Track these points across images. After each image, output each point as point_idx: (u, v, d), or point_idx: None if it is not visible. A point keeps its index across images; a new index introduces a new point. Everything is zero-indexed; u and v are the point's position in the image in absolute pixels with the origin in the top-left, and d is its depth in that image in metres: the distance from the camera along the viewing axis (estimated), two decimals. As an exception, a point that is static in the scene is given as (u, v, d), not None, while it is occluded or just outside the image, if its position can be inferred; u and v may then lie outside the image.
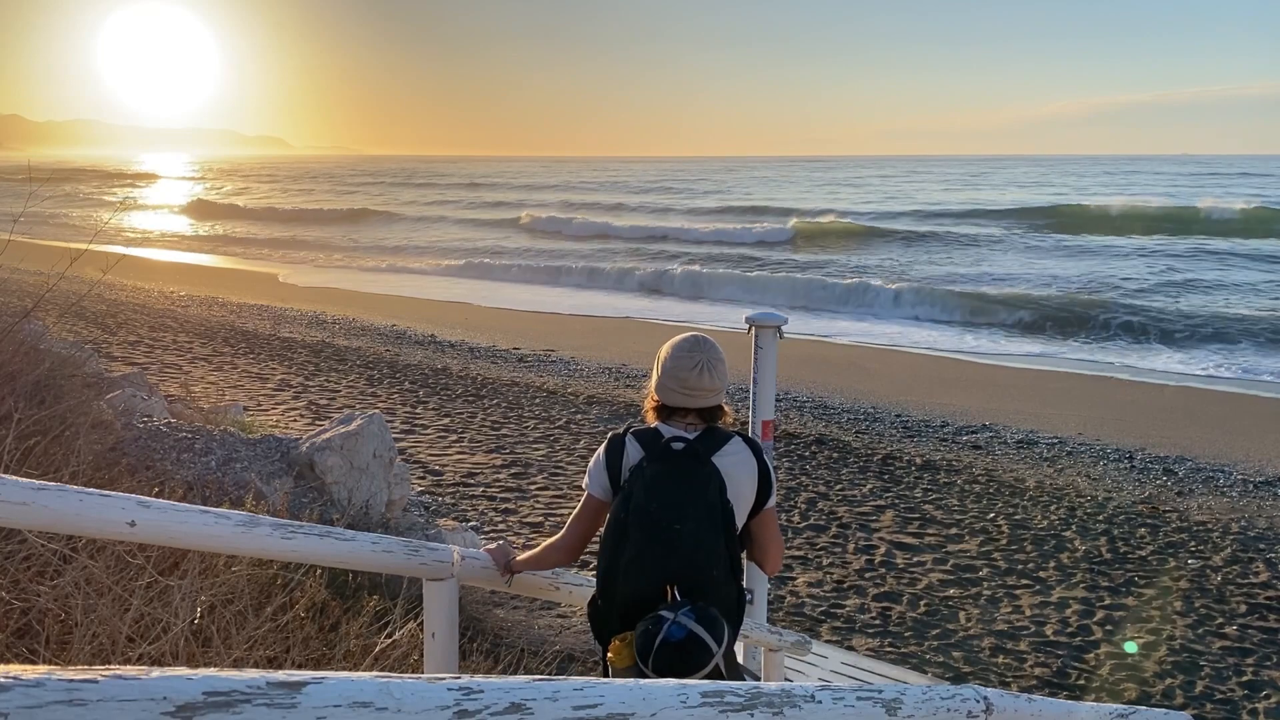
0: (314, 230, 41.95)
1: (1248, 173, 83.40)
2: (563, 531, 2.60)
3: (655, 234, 37.81)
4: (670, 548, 2.24)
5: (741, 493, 2.38)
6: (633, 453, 2.40)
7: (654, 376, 2.46)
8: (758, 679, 3.65)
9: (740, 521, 2.39)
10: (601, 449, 2.48)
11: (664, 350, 2.47)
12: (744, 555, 2.48)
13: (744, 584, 2.40)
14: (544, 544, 2.67)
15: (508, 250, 34.16)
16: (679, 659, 2.07)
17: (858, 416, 11.29)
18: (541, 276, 27.44)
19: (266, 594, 3.48)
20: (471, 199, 61.16)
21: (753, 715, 1.18)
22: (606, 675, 2.31)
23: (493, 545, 2.80)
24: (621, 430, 2.47)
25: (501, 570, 2.75)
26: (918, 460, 9.45)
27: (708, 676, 2.08)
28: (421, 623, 2.73)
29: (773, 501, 2.47)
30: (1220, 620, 6.17)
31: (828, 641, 5.80)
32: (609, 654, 2.26)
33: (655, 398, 2.46)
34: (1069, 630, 6.03)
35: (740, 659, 2.64)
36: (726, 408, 2.49)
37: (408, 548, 2.58)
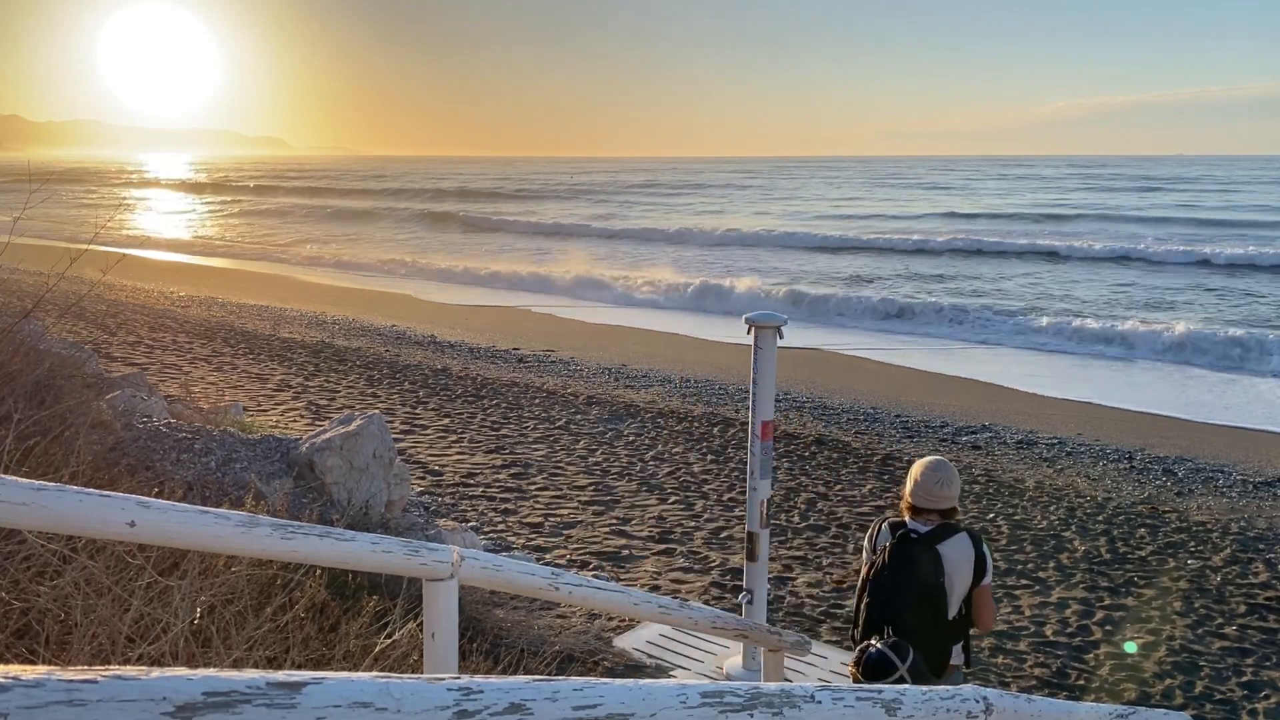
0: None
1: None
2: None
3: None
4: (888, 603, 3.32)
5: (959, 571, 3.35)
6: (884, 535, 3.47)
7: (907, 486, 3.47)
8: None
9: (960, 594, 3.37)
10: (870, 529, 3.59)
11: (915, 468, 3.47)
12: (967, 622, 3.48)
13: (961, 648, 3.43)
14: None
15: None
16: (875, 670, 3.13)
17: (857, 417, 11.29)
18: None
19: (266, 594, 3.48)
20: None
21: (752, 715, 1.18)
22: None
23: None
24: (881, 519, 3.56)
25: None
26: (917, 460, 9.45)
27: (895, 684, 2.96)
28: (421, 623, 2.73)
29: (987, 580, 3.41)
30: (1220, 620, 6.17)
31: (828, 642, 5.80)
32: (851, 667, 3.28)
33: (909, 500, 3.44)
34: (1069, 630, 6.03)
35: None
36: (958, 509, 3.51)
37: (407, 548, 2.58)
